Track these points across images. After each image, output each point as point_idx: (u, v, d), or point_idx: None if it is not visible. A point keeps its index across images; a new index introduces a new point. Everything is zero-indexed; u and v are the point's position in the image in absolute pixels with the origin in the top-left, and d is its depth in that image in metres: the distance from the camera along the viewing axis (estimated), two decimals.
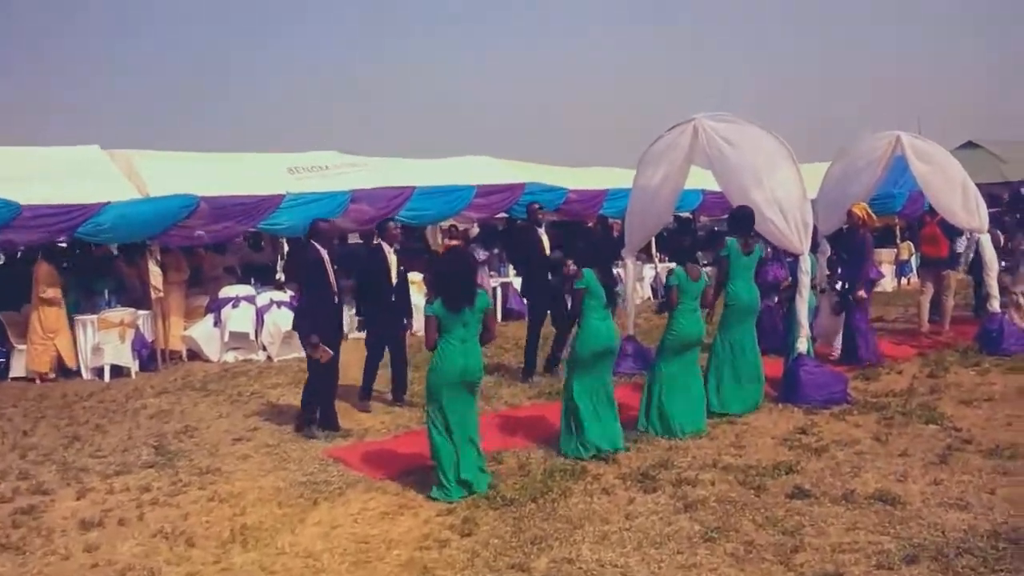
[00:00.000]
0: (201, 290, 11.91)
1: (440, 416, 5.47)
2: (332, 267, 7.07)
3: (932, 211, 10.88)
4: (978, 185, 10.19)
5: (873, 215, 9.39)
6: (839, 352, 9.27)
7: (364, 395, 8.10)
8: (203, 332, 11.12)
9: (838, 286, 9.74)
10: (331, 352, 6.95)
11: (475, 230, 15.05)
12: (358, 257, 14.45)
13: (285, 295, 11.19)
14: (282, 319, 10.69)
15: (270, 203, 11.31)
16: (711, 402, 7.13)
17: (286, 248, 13.10)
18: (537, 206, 9.52)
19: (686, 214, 17.75)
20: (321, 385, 7.13)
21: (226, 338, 11.00)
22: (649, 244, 16.24)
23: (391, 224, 8.28)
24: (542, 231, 9.29)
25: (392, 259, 7.91)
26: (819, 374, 7.52)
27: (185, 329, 11.26)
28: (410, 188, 12.63)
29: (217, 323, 11.05)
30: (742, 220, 7.38)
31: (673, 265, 7.55)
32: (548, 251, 9.14)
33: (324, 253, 7.07)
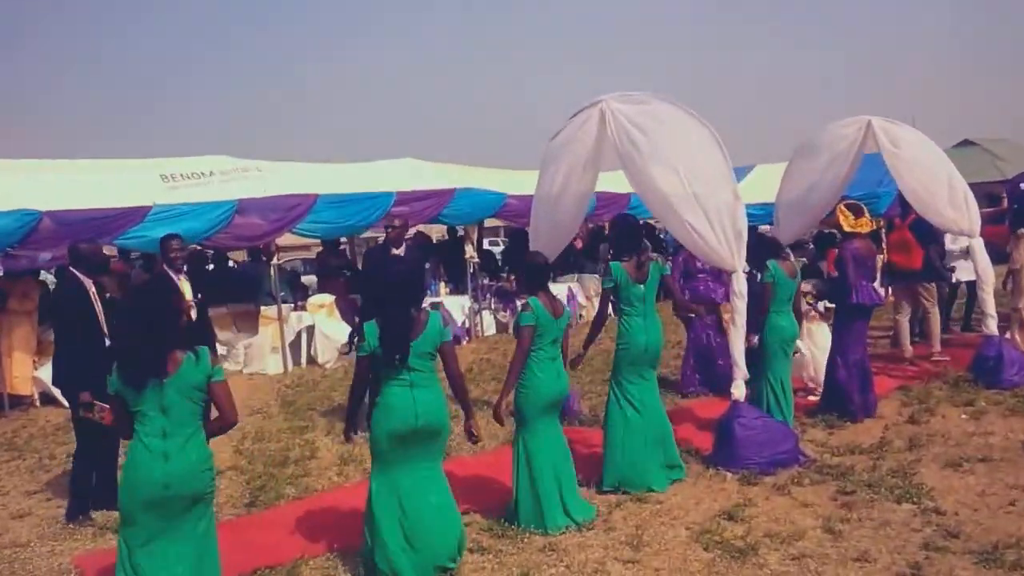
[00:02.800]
0: None
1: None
2: (100, 302, 5.33)
3: (903, 211, 9.06)
4: (974, 184, 8.47)
5: (862, 218, 7.12)
6: (819, 393, 7.38)
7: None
8: None
9: (820, 307, 7.98)
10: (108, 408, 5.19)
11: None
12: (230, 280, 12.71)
13: None
14: None
15: (132, 216, 9.52)
16: (621, 475, 5.39)
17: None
18: None
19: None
20: (100, 454, 5.41)
21: None
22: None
23: (174, 242, 6.51)
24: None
25: (185, 287, 6.22)
26: (760, 429, 5.74)
27: (36, 369, 9.50)
28: (312, 196, 10.86)
29: None
30: (625, 235, 5.65)
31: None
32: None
33: (89, 284, 5.33)
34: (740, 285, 5.85)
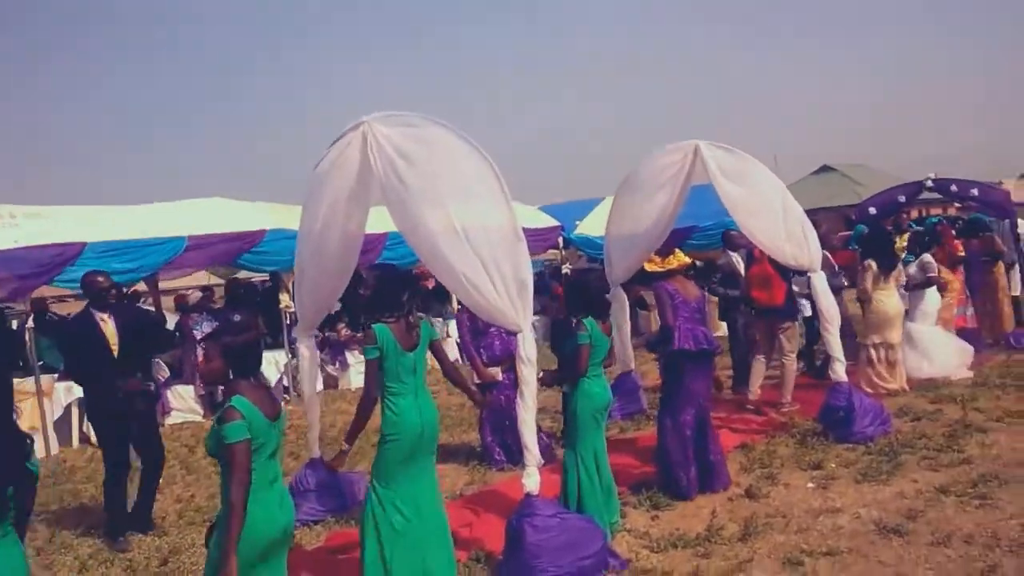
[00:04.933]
0: None
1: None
2: None
3: None
4: (832, 209, 7.71)
5: (669, 257, 6.29)
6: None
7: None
8: None
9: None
10: None
11: (196, 295, 11.61)
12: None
13: None
14: None
15: None
16: None
17: None
18: None
19: None
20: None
21: None
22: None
23: (99, 279, 5.90)
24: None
25: (109, 328, 5.74)
26: (557, 530, 4.48)
27: None
28: (79, 244, 9.18)
29: None
30: (386, 287, 4.43)
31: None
32: None
33: None
34: (527, 348, 4.65)
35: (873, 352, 8.36)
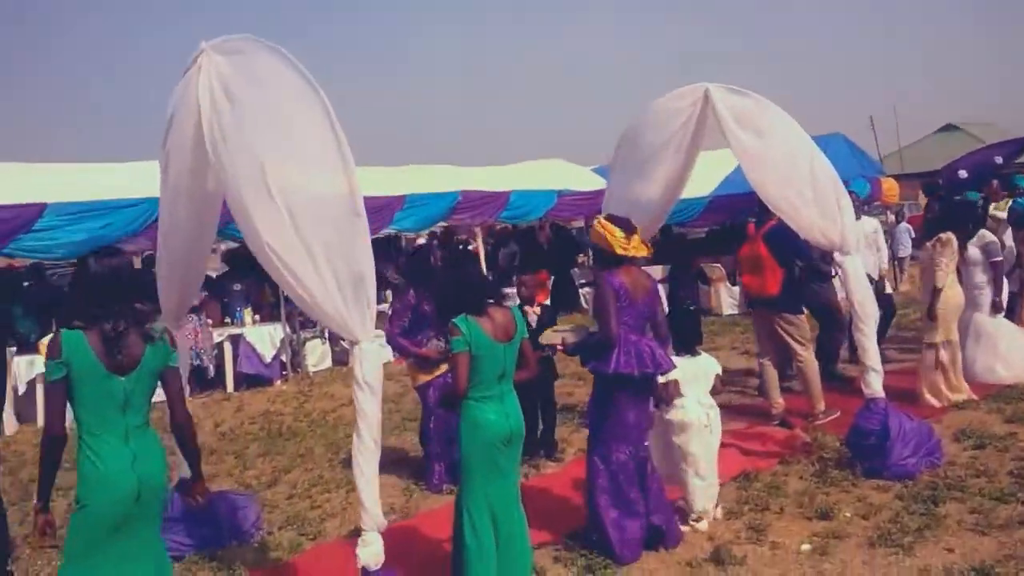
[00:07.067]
0: None
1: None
2: None
3: (761, 215, 6.59)
4: None
5: (634, 236, 4.46)
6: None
7: None
8: None
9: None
10: None
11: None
12: None
13: None
14: None
15: None
16: None
17: None
18: None
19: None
20: None
21: None
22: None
23: None
24: None
25: None
26: None
27: None
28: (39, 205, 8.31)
29: None
30: (94, 286, 3.17)
31: None
32: None
33: None
34: (366, 368, 3.38)
35: (943, 353, 6.66)
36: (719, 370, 4.78)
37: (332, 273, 3.29)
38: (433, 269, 6.17)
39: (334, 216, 3.34)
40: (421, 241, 16.17)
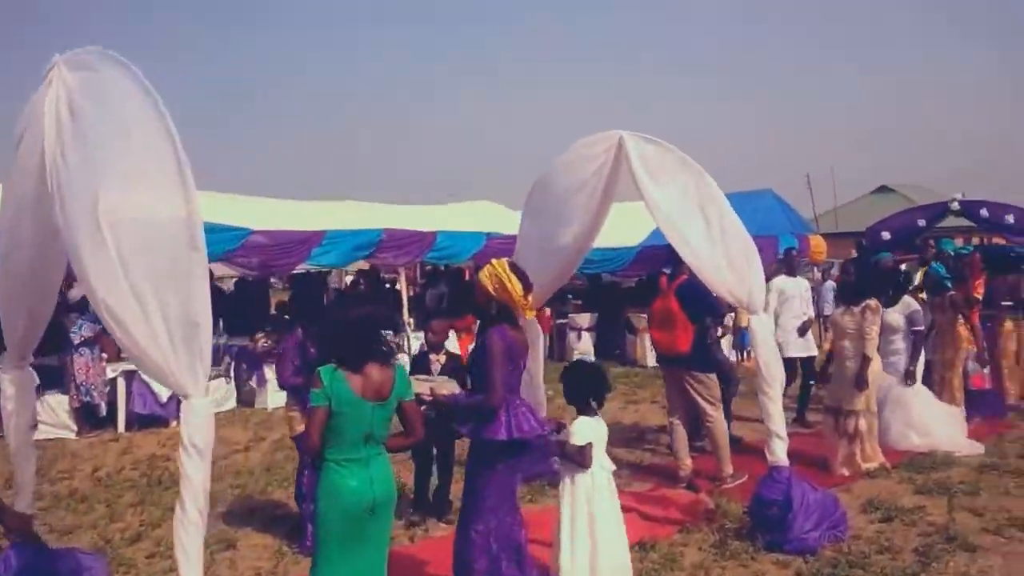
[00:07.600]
0: None
1: None
2: None
3: (675, 267, 6.39)
4: None
5: (519, 288, 4.06)
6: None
7: None
8: None
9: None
10: None
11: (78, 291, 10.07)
12: None
13: None
14: None
15: None
16: None
17: None
18: None
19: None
20: None
21: None
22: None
23: None
24: None
25: None
26: None
27: None
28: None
29: None
30: None
31: None
32: None
33: None
34: (191, 428, 3.00)
35: (862, 421, 6.46)
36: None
37: (161, 316, 2.91)
38: (321, 307, 5.78)
39: (169, 247, 2.96)
40: (349, 279, 15.74)
